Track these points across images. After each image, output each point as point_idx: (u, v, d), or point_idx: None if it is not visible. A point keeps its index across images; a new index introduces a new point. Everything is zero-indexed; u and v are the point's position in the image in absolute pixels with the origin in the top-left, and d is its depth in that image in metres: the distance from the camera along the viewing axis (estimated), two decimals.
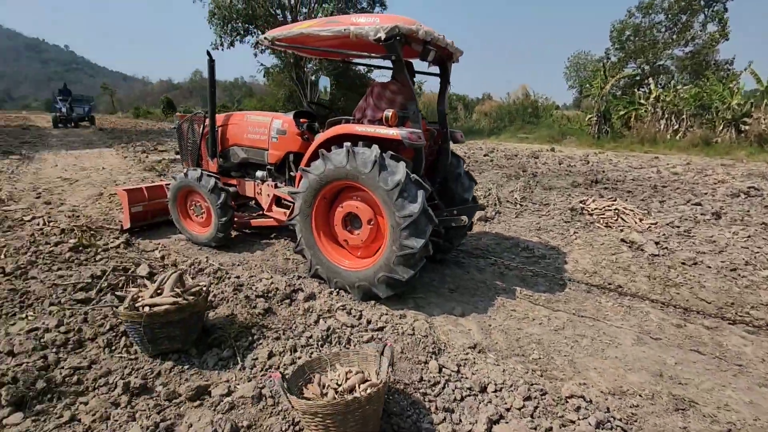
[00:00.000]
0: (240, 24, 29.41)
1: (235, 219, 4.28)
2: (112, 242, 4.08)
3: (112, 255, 3.80)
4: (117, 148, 11.47)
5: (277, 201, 4.13)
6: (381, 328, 2.79)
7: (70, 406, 1.99)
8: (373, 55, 3.61)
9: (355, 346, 2.58)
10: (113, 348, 2.42)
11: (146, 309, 2.25)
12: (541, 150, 14.79)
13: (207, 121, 4.35)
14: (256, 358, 2.42)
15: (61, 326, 2.49)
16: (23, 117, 33.71)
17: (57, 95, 21.65)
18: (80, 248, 3.82)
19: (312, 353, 2.46)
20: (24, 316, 2.71)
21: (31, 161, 8.83)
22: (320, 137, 3.35)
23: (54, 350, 2.31)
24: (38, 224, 4.62)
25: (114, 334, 2.51)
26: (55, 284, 3.09)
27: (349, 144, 3.04)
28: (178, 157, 9.81)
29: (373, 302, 3.19)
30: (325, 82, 4.34)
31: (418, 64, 3.70)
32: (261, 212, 4.71)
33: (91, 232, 4.35)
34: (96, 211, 5.44)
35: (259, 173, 4.25)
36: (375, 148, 2.97)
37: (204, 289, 2.53)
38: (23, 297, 2.89)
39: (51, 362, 2.22)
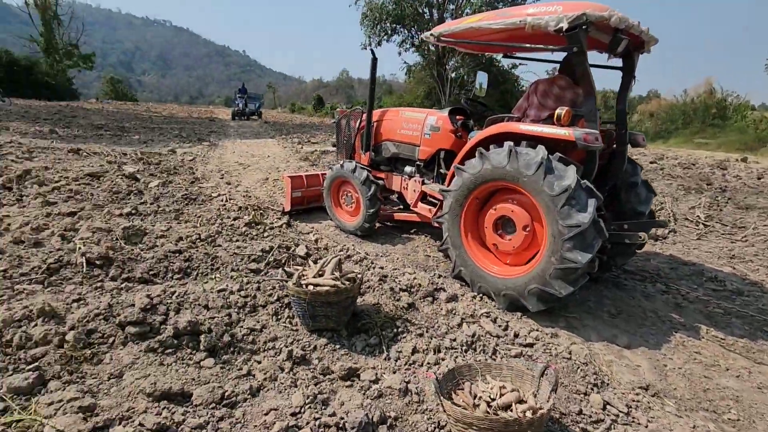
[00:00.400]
0: (388, 24, 30.94)
1: (381, 211, 4.45)
2: (276, 222, 4.61)
3: (276, 233, 4.29)
4: (278, 139, 13.11)
5: (423, 197, 4.16)
6: (530, 345, 2.56)
7: (247, 362, 2.27)
8: (549, 47, 3.29)
9: (502, 358, 2.42)
10: (279, 317, 2.70)
11: (310, 288, 2.45)
12: (728, 159, 12.16)
13: (364, 116, 4.60)
14: (401, 351, 2.45)
15: (241, 291, 2.87)
16: (209, 111, 40.84)
17: (237, 93, 25.82)
18: (252, 224, 4.40)
19: (456, 357, 2.38)
20: (213, 277, 3.22)
21: (216, 148, 10.63)
22: (479, 135, 3.23)
23: (236, 310, 2.68)
24: (222, 201, 5.50)
25: (280, 304, 2.80)
26: (235, 253, 3.60)
27: (511, 143, 2.85)
28: (329, 148, 10.80)
29: (519, 314, 2.97)
30: (482, 78, 4.15)
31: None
32: (401, 207, 4.82)
33: (260, 211, 4.99)
34: (263, 192, 6.25)
35: (407, 168, 4.33)
36: (541, 149, 2.73)
37: (358, 276, 2.65)
38: (213, 261, 3.43)
39: (234, 320, 2.57)
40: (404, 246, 4.34)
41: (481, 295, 3.18)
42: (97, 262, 3.11)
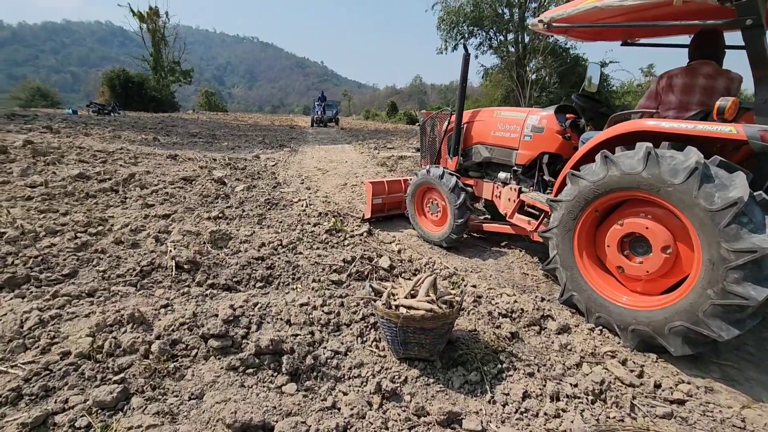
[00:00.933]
0: (466, 27, 30.25)
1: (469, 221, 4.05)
2: (356, 230, 4.40)
3: (357, 242, 4.07)
4: (355, 145, 13.19)
5: (520, 207, 3.68)
6: (681, 402, 2.00)
7: (331, 391, 2.01)
8: (705, 22, 2.62)
9: (645, 417, 1.89)
10: (364, 339, 2.42)
11: (403, 311, 2.13)
12: None
13: (452, 117, 4.24)
14: (508, 394, 2.03)
15: (324, 306, 2.65)
16: (289, 119, 43.03)
17: (316, 101, 26.84)
18: (333, 232, 4.23)
19: (583, 410, 1.91)
20: (294, 287, 3.06)
21: (296, 153, 10.90)
22: (601, 135, 2.70)
23: (318, 328, 2.46)
24: (302, 206, 5.45)
25: (365, 324, 2.53)
26: (316, 263, 3.42)
27: (648, 144, 2.31)
28: (405, 153, 10.58)
29: (653, 356, 2.39)
30: (593, 71, 3.56)
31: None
32: (488, 216, 4.37)
33: (340, 218, 4.83)
34: (342, 198, 6.13)
35: (501, 174, 3.88)
36: (693, 151, 2.16)
37: (457, 299, 2.28)
38: (294, 270, 3.28)
39: (317, 339, 2.34)
40: (496, 261, 3.88)
41: (600, 327, 2.64)
42: (186, 267, 3.10)
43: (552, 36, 29.56)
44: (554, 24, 2.96)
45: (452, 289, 3.13)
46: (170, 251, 3.38)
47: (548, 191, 3.60)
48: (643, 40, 3.45)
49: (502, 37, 31.15)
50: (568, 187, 2.75)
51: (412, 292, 2.28)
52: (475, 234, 4.63)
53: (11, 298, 2.56)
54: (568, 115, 3.36)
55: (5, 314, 2.32)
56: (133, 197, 5.21)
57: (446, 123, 4.40)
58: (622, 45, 3.45)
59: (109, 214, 4.50)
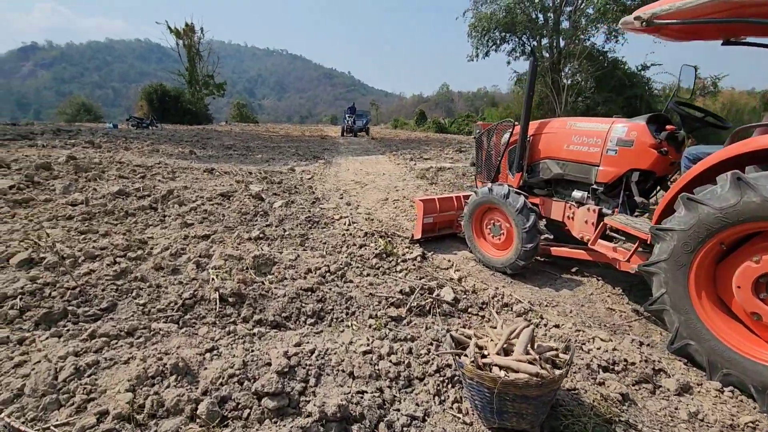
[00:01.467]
0: (498, 33, 29.66)
1: None
2: (408, 253, 4.03)
3: (411, 267, 3.69)
4: (389, 156, 12.89)
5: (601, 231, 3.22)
6: None
7: None
8: None
9: None
10: (443, 398, 2.03)
11: (499, 373, 1.73)
12: None
13: (515, 129, 3.83)
14: None
15: (392, 355, 2.27)
16: (319, 129, 43.38)
17: (346, 112, 26.87)
18: (383, 255, 3.87)
19: None
20: (349, 324, 2.70)
21: (331, 165, 10.69)
22: (722, 152, 2.23)
23: (387, 383, 2.08)
24: (345, 224, 5.14)
25: (441, 378, 2.14)
26: (371, 294, 3.07)
27: None
28: (445, 164, 10.17)
29: None
30: (687, 74, 3.07)
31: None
32: (549, 237, 3.92)
33: (388, 238, 4.47)
34: (385, 214, 5.78)
35: (576, 193, 3.42)
36: None
37: (562, 358, 1.86)
38: (347, 302, 2.93)
39: (387, 399, 1.97)
40: (572, 292, 3.41)
41: (730, 387, 2.15)
42: (230, 299, 2.80)
43: (588, 39, 28.69)
44: (656, 21, 2.52)
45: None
46: (213, 280, 3.11)
47: (636, 214, 3.12)
48: (749, 39, 2.95)
49: (535, 43, 30.35)
50: (681, 213, 2.28)
51: (506, 346, 1.88)
52: (540, 258, 4.17)
53: (47, 338, 2.32)
54: (668, 126, 2.89)
55: (39, 362, 2.07)
56: (172, 215, 5.04)
57: (507, 135, 3.98)
58: (723, 44, 2.96)
59: (148, 235, 4.32)
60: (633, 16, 2.62)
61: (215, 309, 2.72)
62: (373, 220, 5.46)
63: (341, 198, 6.64)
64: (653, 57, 33.55)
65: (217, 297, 2.79)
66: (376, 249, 4.04)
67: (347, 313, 2.82)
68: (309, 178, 8.29)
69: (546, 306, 3.11)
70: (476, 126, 4.46)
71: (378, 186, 7.59)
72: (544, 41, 30.20)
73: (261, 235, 4.42)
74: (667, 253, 2.33)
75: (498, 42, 30.76)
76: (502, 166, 4.08)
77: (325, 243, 4.35)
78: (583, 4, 27.87)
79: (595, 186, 3.28)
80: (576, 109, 29.29)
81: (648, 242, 2.63)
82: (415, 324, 2.75)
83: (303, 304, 2.84)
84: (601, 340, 2.51)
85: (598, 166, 3.21)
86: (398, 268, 3.69)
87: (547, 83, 29.65)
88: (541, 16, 29.05)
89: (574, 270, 3.88)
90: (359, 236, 4.52)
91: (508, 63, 32.35)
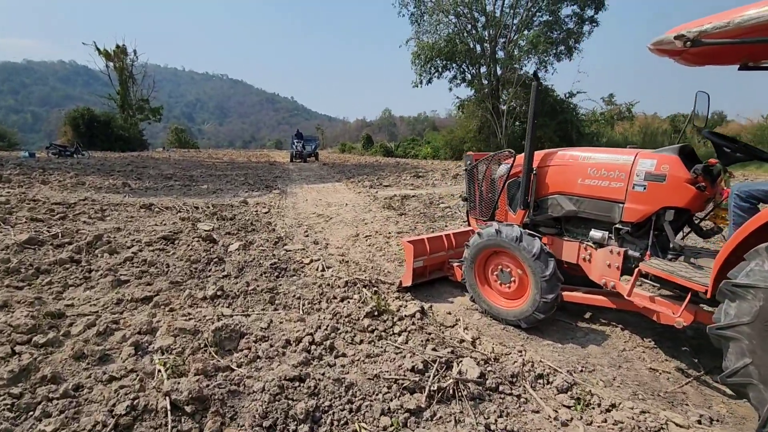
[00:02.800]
0: (439, 61, 30.62)
1: None
2: (403, 307, 3.41)
3: (410, 327, 3.07)
4: (346, 183, 12.29)
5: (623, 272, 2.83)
6: None
7: None
8: None
9: None
10: None
11: None
12: None
13: (516, 159, 3.41)
14: None
15: None
16: (265, 154, 41.87)
17: (294, 137, 25.99)
18: (376, 314, 3.22)
19: None
20: (357, 429, 2.02)
21: (287, 195, 9.88)
22: None
23: None
24: (318, 270, 4.44)
25: None
26: (375, 375, 2.40)
27: None
28: (408, 192, 9.70)
29: None
30: (703, 102, 2.88)
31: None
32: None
33: (373, 287, 3.83)
34: (359, 254, 5.14)
35: (595, 233, 3.02)
36: None
37: None
38: (348, 392, 2.25)
39: None
40: (601, 348, 2.95)
41: None
42: (187, 408, 2.01)
43: (522, 68, 30.43)
44: (706, 38, 2.20)
45: (580, 408, 2.18)
46: (160, 373, 2.29)
47: (670, 257, 2.75)
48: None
49: (474, 71, 31.69)
50: (763, 265, 1.89)
51: None
52: None
53: None
54: (710, 160, 2.58)
55: None
56: (101, 270, 4.06)
57: (505, 167, 3.56)
58: (740, 69, 2.74)
59: (67, 301, 3.35)
60: (674, 35, 2.28)
61: (167, 426, 1.92)
62: (347, 261, 4.79)
63: (306, 236, 5.91)
64: (578, 86, 36.14)
65: (168, 405, 2.00)
66: (362, 304, 3.38)
67: (351, 410, 2.14)
68: (265, 212, 7.45)
69: (582, 372, 2.61)
70: (467, 156, 4.00)
71: (344, 219, 6.93)
72: (483, 69, 31.64)
73: (219, 293, 3.61)
74: (751, 315, 1.92)
75: (440, 69, 31.80)
76: (500, 202, 3.63)
77: (299, 298, 3.63)
78: (516, 36, 29.68)
79: (619, 225, 2.90)
80: (514, 132, 30.71)
81: (707, 296, 2.23)
82: (441, 418, 2.12)
83: (291, 403, 2.11)
84: (676, 425, 2.03)
85: (623, 203, 2.83)
86: (396, 329, 3.05)
87: (487, 108, 30.91)
88: (478, 46, 30.48)
89: (587, 316, 3.47)
90: (339, 286, 3.85)
91: (450, 89, 33.49)
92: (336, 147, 62.20)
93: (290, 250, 5.09)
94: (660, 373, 2.62)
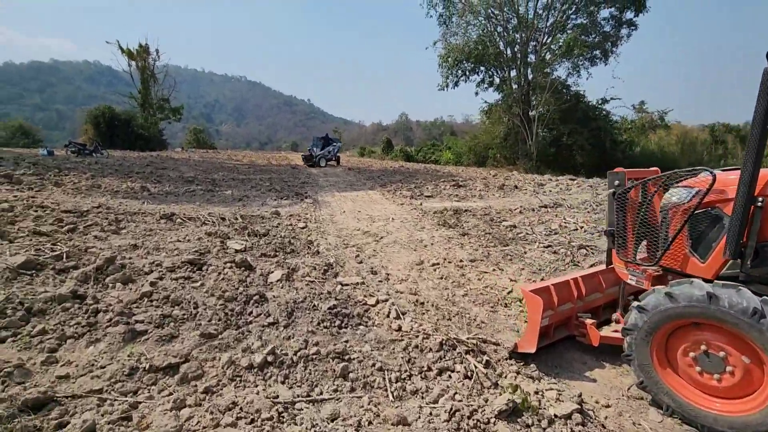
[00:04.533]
0: (467, 64, 29.53)
1: None
2: (552, 404, 2.31)
3: None
4: (381, 192, 11.23)
5: None
6: None
7: None
8: None
9: None
10: None
11: None
12: None
13: (713, 182, 2.28)
14: None
15: None
16: (283, 156, 41.02)
17: (318, 140, 24.97)
18: (516, 413, 2.13)
19: None
20: None
21: (320, 205, 8.87)
22: None
23: None
24: (388, 313, 3.39)
25: None
26: None
27: None
28: (459, 206, 8.43)
29: None
30: None
31: None
32: None
33: (481, 354, 2.75)
34: (434, 293, 4.06)
35: None
36: None
37: None
38: None
39: None
40: None
41: None
42: None
43: (553, 73, 29.04)
44: None
45: None
46: None
47: None
48: None
49: (505, 75, 30.47)
50: None
51: None
52: None
53: None
54: None
55: None
56: (110, 311, 3.07)
57: (687, 193, 2.45)
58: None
59: (58, 371, 2.36)
60: None
61: None
62: (422, 303, 3.73)
63: (360, 262, 4.85)
64: (612, 91, 34.45)
65: None
66: (500, 404, 2.30)
67: None
68: (302, 227, 6.43)
69: None
70: (614, 174, 2.87)
71: (398, 239, 5.86)
72: (513, 73, 30.42)
73: (269, 357, 2.58)
74: None
75: (468, 73, 30.69)
76: (676, 242, 2.51)
77: (381, 369, 2.57)
78: (549, 40, 28.38)
79: None
80: (545, 139, 29.39)
81: None
82: None
83: None
84: None
85: None
86: None
87: (516, 113, 29.63)
88: (508, 49, 29.25)
89: None
90: (430, 349, 2.79)
91: (476, 93, 32.38)
92: (354, 150, 61.40)
93: (346, 285, 4.04)
94: None
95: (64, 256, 4.12)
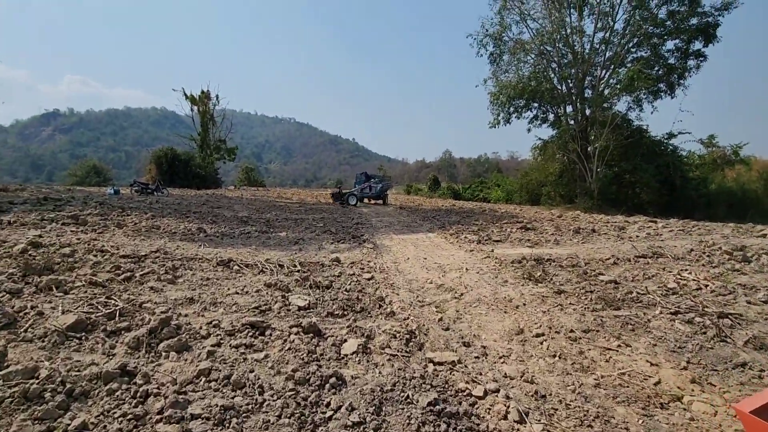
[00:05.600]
0: (521, 101, 28.89)
1: None
2: None
3: None
4: (441, 235, 10.46)
5: None
6: None
7: None
8: None
9: None
10: None
11: None
12: None
13: None
14: None
15: None
16: (329, 194, 41.29)
17: (362, 178, 24.92)
18: None
19: None
20: None
21: (380, 251, 8.21)
22: None
23: None
24: (503, 415, 2.55)
25: None
26: None
27: None
28: (538, 254, 7.33)
29: None
30: None
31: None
32: None
33: None
34: (555, 379, 3.16)
35: None
36: None
37: None
38: None
39: None
40: None
41: None
42: None
43: (612, 108, 27.57)
44: None
45: None
46: None
47: None
48: None
49: (560, 110, 29.44)
50: None
51: None
52: None
53: None
54: None
55: None
56: (162, 396, 2.47)
57: None
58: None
59: None
60: None
61: None
62: (545, 396, 2.85)
63: (444, 328, 4.06)
64: (680, 125, 32.04)
65: None
66: None
67: None
68: (368, 278, 5.76)
69: None
70: None
71: (482, 297, 5.01)
72: (569, 109, 29.34)
73: None
74: None
75: (520, 110, 30.00)
76: None
77: None
78: (607, 74, 27.22)
79: None
80: (606, 176, 27.58)
81: None
82: None
83: None
84: None
85: None
86: None
87: (573, 149, 28.21)
88: (563, 85, 28.32)
89: None
90: None
91: (529, 130, 31.52)
92: (399, 187, 61.51)
93: (439, 364, 3.24)
94: None
95: (117, 315, 3.66)
